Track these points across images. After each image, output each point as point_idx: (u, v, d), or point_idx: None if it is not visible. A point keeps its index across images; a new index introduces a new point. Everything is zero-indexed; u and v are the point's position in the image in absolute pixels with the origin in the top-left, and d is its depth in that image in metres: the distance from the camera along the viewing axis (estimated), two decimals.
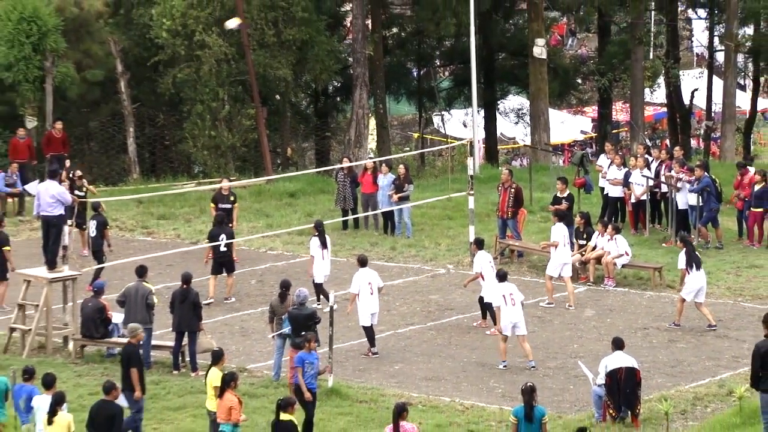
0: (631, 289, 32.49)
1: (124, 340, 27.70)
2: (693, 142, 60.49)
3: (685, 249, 29.54)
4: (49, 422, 20.61)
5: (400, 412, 20.14)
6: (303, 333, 24.88)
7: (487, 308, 29.47)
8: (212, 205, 35.27)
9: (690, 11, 65.87)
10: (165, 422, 23.24)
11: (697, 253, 29.83)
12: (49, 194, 28.43)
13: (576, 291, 31.99)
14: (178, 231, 38.78)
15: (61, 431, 20.53)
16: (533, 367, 26.85)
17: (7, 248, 30.97)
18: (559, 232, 31.82)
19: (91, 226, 32.93)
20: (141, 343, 26.76)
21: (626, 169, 36.95)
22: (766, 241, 35.60)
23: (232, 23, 42.55)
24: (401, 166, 38.81)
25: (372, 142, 52.29)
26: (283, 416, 20.61)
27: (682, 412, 24.30)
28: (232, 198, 35.20)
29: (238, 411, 21.65)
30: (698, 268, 29.21)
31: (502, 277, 27.89)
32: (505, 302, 27.07)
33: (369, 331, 28.12)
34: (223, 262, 31.76)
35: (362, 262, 28.53)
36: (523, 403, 20.61)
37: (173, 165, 49.46)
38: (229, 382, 21.78)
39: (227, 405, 21.62)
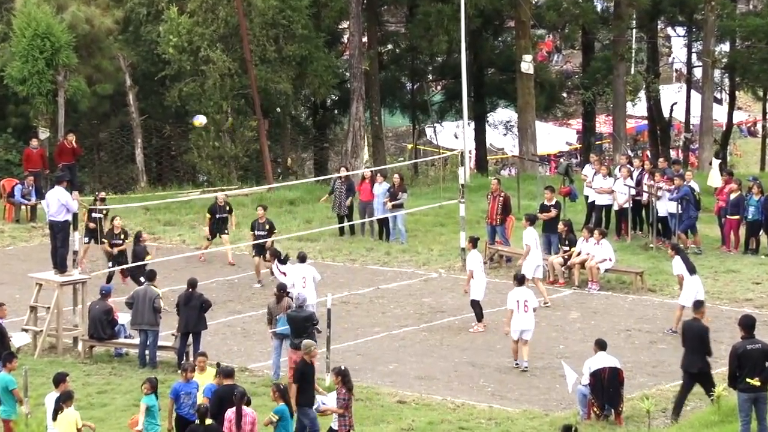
0: (614, 293, 32.22)
1: (131, 341, 27.60)
2: (672, 153, 60.32)
3: (678, 256, 28.73)
4: (54, 418, 20.38)
5: (242, 398, 20.36)
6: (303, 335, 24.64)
7: (472, 306, 29.21)
8: (209, 215, 35.36)
9: (669, 29, 65.86)
10: (164, 419, 22.86)
11: (689, 258, 29.17)
12: (56, 200, 28.15)
13: (561, 294, 31.86)
14: (183, 237, 38.64)
15: (67, 427, 20.25)
16: (526, 369, 26.53)
17: None
18: (530, 236, 31.63)
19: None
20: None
21: (612, 178, 36.68)
22: (743, 247, 35.40)
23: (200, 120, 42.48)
24: (396, 175, 38.53)
25: (367, 153, 52.07)
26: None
27: (663, 410, 24.05)
28: (228, 208, 35.53)
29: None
30: (693, 272, 28.47)
31: (520, 281, 27.38)
32: (518, 308, 26.55)
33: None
34: (261, 246, 33.24)
35: (302, 259, 29.31)
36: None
37: (179, 174, 49.31)
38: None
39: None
